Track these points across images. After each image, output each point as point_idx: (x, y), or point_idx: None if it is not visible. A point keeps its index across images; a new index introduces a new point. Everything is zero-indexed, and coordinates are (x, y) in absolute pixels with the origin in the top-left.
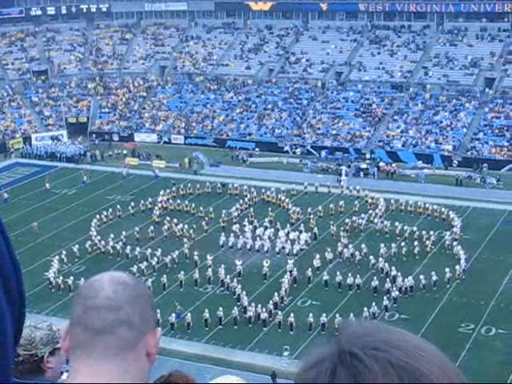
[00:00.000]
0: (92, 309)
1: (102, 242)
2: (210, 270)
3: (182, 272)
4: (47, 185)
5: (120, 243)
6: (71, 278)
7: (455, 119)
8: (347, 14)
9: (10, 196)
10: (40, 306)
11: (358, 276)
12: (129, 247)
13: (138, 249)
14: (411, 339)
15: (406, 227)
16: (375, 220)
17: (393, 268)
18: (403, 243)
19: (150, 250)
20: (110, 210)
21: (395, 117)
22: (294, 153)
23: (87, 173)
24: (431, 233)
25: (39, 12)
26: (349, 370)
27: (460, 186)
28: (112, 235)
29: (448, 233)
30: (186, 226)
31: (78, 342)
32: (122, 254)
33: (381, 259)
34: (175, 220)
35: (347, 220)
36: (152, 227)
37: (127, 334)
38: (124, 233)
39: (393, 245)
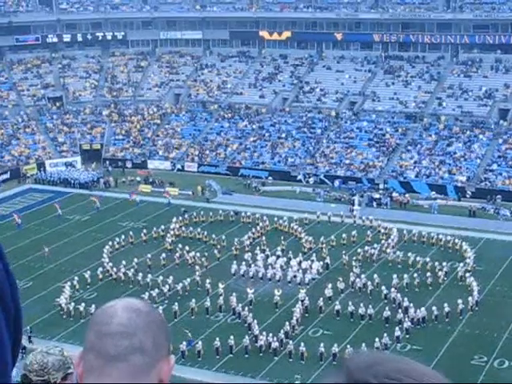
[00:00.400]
0: (106, 335)
1: (114, 269)
2: (221, 298)
3: (194, 300)
4: (59, 210)
5: (132, 270)
6: (83, 304)
7: (469, 150)
8: (362, 44)
9: (23, 221)
10: (51, 332)
11: (370, 306)
12: (141, 274)
13: (149, 276)
14: (418, 367)
15: (418, 258)
16: (388, 250)
17: (405, 299)
18: (416, 274)
19: (161, 278)
20: (123, 236)
21: (409, 147)
22: (307, 182)
23: (97, 198)
24: (444, 264)
25: (55, 39)
26: None
27: (473, 217)
28: (124, 262)
29: (461, 264)
30: (198, 254)
31: (91, 368)
32: (134, 280)
33: (393, 289)
34: (187, 247)
35: (359, 250)
36: (164, 254)
37: (140, 360)
38: (136, 260)
39: (405, 275)
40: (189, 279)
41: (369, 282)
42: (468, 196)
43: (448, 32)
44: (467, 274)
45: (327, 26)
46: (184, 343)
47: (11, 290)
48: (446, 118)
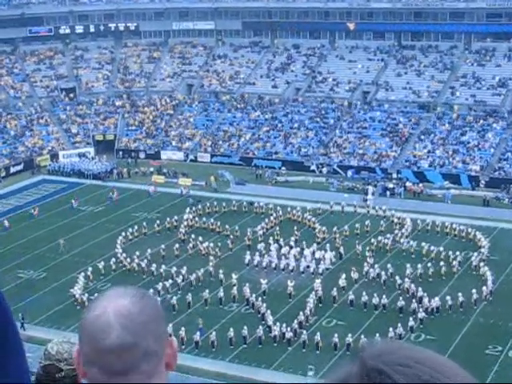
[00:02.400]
0: (105, 352)
1: (128, 260)
2: (234, 288)
3: (207, 290)
4: (74, 203)
5: (145, 261)
6: (96, 295)
7: (483, 139)
8: (374, 33)
9: (35, 213)
10: (65, 323)
11: (383, 296)
12: (154, 265)
13: (163, 266)
14: (433, 355)
15: (432, 247)
16: (401, 240)
17: (419, 289)
18: (430, 264)
19: (175, 268)
20: (136, 227)
21: (422, 137)
22: (321, 172)
23: (117, 193)
24: (457, 253)
25: (68, 30)
26: None
27: (487, 206)
28: (137, 252)
29: (475, 253)
30: (211, 244)
31: (98, 380)
32: (147, 271)
33: (407, 279)
34: (200, 238)
35: (373, 240)
36: (177, 245)
37: (150, 366)
38: (149, 250)
39: (419, 265)
40: (202, 269)
41: (382, 272)
42: (482, 185)
43: (461, 21)
44: (481, 264)
45: (340, 16)
46: (197, 333)
47: None
48: (459, 107)
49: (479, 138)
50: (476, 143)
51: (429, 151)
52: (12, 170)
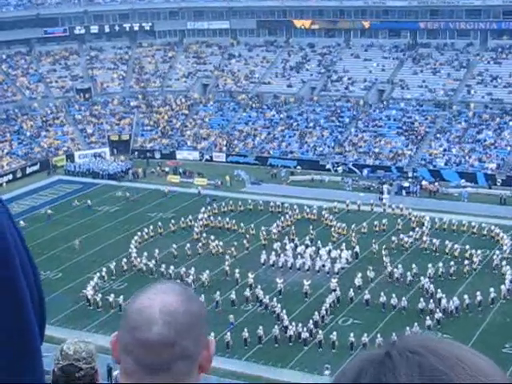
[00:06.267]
0: (144, 344)
1: (139, 259)
2: (247, 289)
3: (218, 292)
4: (88, 201)
5: (153, 261)
6: (112, 295)
7: (499, 137)
8: (390, 31)
9: (52, 213)
10: (81, 323)
11: (403, 298)
12: (164, 265)
13: (171, 267)
14: (459, 350)
15: (449, 245)
16: (424, 238)
17: (438, 290)
18: (451, 262)
19: (184, 269)
20: (151, 227)
21: (438, 135)
22: (336, 171)
23: (131, 196)
24: (478, 252)
25: (83, 31)
26: (375, 369)
27: (504, 205)
28: (146, 253)
29: (497, 252)
30: (221, 243)
31: (132, 372)
32: (157, 271)
33: (427, 280)
34: (212, 237)
35: (393, 238)
36: (188, 245)
37: (184, 367)
38: (157, 251)
39: (440, 264)
40: (210, 270)
41: (408, 273)
42: (498, 184)
43: (477, 18)
44: (503, 262)
45: (355, 14)
46: (229, 327)
47: (35, 278)
48: (475, 105)
49: (495, 136)
50: (492, 141)
51: (445, 149)
52: (28, 170)
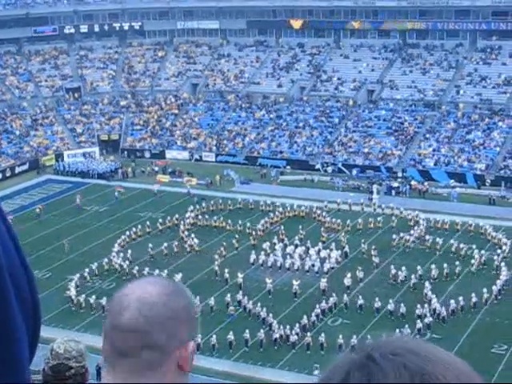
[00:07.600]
0: (116, 328)
1: (119, 260)
2: (229, 295)
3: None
4: (78, 200)
5: (127, 262)
6: (93, 296)
7: (488, 138)
8: (379, 32)
9: (42, 212)
10: (70, 323)
11: (402, 305)
12: (137, 267)
13: (146, 269)
14: (435, 350)
15: (441, 244)
16: (427, 237)
17: (433, 295)
18: (445, 264)
19: (157, 271)
20: (139, 226)
21: (427, 135)
22: (326, 171)
23: (122, 188)
24: (482, 252)
25: (72, 30)
26: (362, 372)
27: (493, 205)
28: (130, 253)
29: (499, 251)
30: (196, 241)
31: (107, 356)
32: (129, 272)
33: (414, 278)
34: (192, 235)
35: (394, 236)
36: (166, 244)
37: (151, 356)
38: (130, 251)
39: (432, 266)
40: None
41: (412, 276)
42: (487, 184)
43: (466, 19)
44: (502, 264)
45: (345, 14)
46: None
47: (28, 281)
48: (464, 105)
49: (484, 136)
50: (481, 142)
51: (434, 150)
52: (17, 169)
